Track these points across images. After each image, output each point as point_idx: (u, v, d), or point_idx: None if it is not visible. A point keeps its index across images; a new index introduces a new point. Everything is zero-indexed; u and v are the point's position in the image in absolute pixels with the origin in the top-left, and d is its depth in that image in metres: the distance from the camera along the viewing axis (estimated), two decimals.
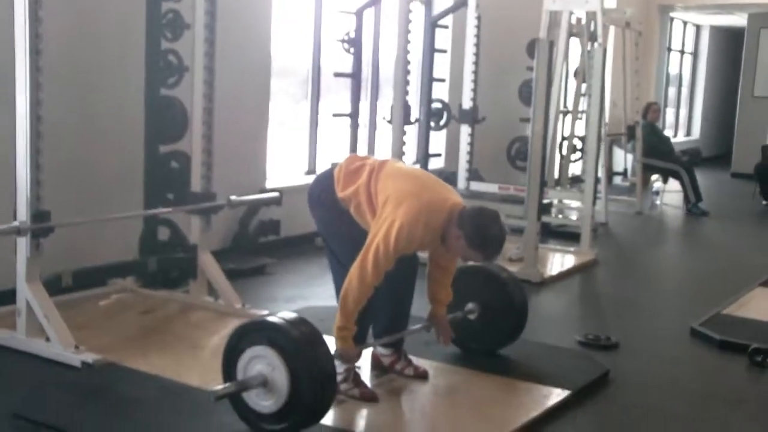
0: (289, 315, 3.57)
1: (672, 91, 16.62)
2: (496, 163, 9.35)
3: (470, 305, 4.63)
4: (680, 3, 14.38)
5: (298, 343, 3.43)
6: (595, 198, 8.07)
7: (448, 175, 8.07)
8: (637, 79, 10.30)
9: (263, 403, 3.47)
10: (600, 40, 8.64)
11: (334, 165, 4.15)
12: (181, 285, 5.49)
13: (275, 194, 5.73)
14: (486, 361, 4.59)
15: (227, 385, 3.48)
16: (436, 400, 4.18)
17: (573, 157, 10.29)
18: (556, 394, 4.20)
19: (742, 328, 5.57)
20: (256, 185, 6.85)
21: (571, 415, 4.07)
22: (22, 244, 4.33)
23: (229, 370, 3.55)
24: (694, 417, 4.24)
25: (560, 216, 9.17)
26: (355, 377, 4.01)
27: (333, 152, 7.71)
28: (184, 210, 5.24)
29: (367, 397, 3.97)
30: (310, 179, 7.35)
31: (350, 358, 3.88)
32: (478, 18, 7.77)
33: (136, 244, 5.46)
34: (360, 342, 3.97)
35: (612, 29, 10.90)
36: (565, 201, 9.59)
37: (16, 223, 4.25)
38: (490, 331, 4.64)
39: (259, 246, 6.83)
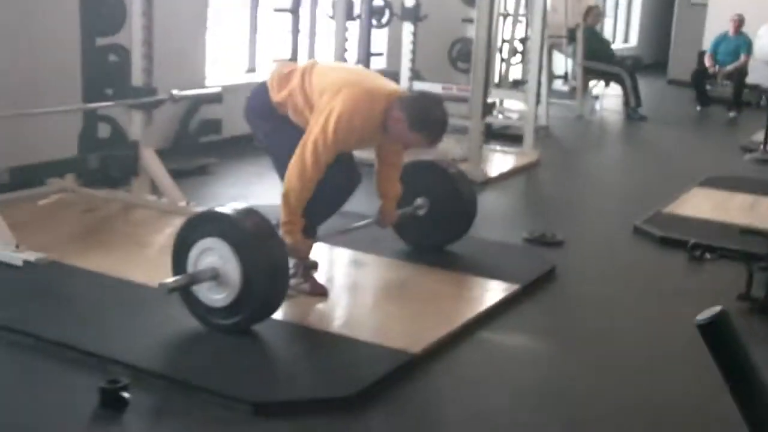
0: (241, 206, 3.51)
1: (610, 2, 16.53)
2: (437, 64, 9.25)
3: (419, 200, 4.60)
4: None
5: (250, 234, 3.39)
6: (537, 99, 8.05)
7: (391, 75, 7.96)
8: None
9: (214, 296, 3.43)
10: None
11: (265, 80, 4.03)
12: (123, 184, 5.35)
13: (217, 89, 5.59)
14: (435, 256, 4.59)
15: (178, 277, 3.43)
16: (387, 295, 4.20)
17: (513, 60, 10.26)
18: (505, 288, 4.24)
19: (681, 225, 5.66)
20: (195, 83, 6.67)
21: (520, 308, 4.12)
22: None
23: (179, 263, 3.49)
24: (637, 306, 4.35)
25: (501, 116, 9.13)
26: (305, 271, 3.97)
27: (273, 50, 7.54)
28: (125, 104, 5.07)
29: (318, 292, 3.95)
30: (251, 78, 7.31)
31: (300, 251, 3.83)
32: None
33: (75, 142, 5.28)
34: (310, 236, 3.91)
35: None
36: (506, 105, 9.57)
37: None
38: (439, 226, 4.63)
39: (201, 146, 6.70)
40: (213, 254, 3.40)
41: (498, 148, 7.90)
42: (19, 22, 5.30)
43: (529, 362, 3.65)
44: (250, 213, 3.47)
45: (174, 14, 6.15)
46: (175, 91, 5.21)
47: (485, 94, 6.74)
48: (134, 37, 5.05)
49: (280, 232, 3.72)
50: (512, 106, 9.49)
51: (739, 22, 11.68)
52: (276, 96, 3.89)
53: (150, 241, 4.66)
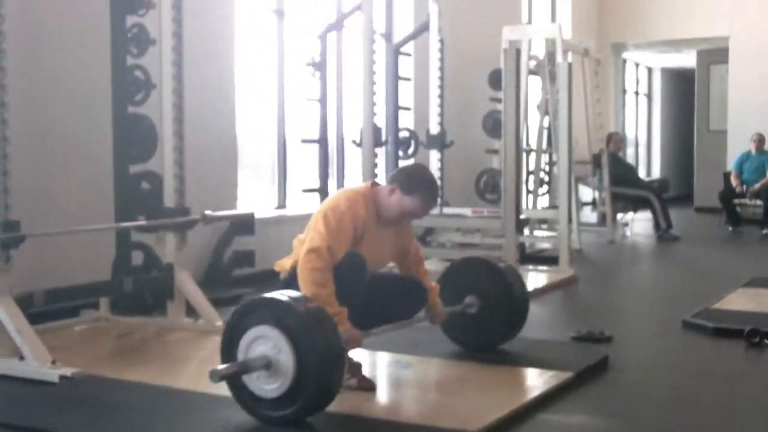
0: (294, 293, 3.41)
1: (630, 135, 16.74)
2: (464, 194, 9.25)
3: (469, 298, 4.47)
4: (632, 40, 14.60)
5: (304, 321, 3.26)
6: (570, 217, 7.98)
7: None
8: (599, 107, 10.33)
9: (266, 386, 3.29)
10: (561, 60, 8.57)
11: None
12: (158, 310, 5.26)
13: (249, 212, 5.58)
14: (487, 355, 4.43)
15: (229, 365, 3.30)
16: (439, 387, 4.05)
17: (540, 191, 10.26)
18: (559, 376, 4.06)
19: (733, 317, 5.49)
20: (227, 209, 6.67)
21: (576, 394, 3.94)
22: None
23: (229, 352, 3.36)
24: (695, 391, 4.15)
25: (535, 234, 9.06)
26: (350, 367, 3.82)
27: (303, 180, 7.60)
28: (159, 224, 5.05)
29: (365, 386, 3.80)
30: (281, 212, 7.34)
31: (354, 339, 3.68)
32: (441, 41, 7.74)
33: (109, 270, 5.24)
34: (361, 328, 3.76)
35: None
36: (537, 233, 9.52)
37: None
38: (491, 323, 4.47)
39: (234, 279, 6.63)
40: (265, 342, 3.28)
41: (533, 267, 7.79)
42: (52, 149, 5.39)
43: None
44: (303, 299, 3.38)
45: (204, 142, 6.23)
46: (208, 212, 5.20)
47: (518, 209, 6.71)
48: (166, 158, 5.08)
49: None
50: (543, 234, 9.47)
51: (760, 140, 11.77)
52: (291, 265, 3.90)
53: (189, 357, 4.54)
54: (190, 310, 5.15)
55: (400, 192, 3.84)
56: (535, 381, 4.08)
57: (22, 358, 4.10)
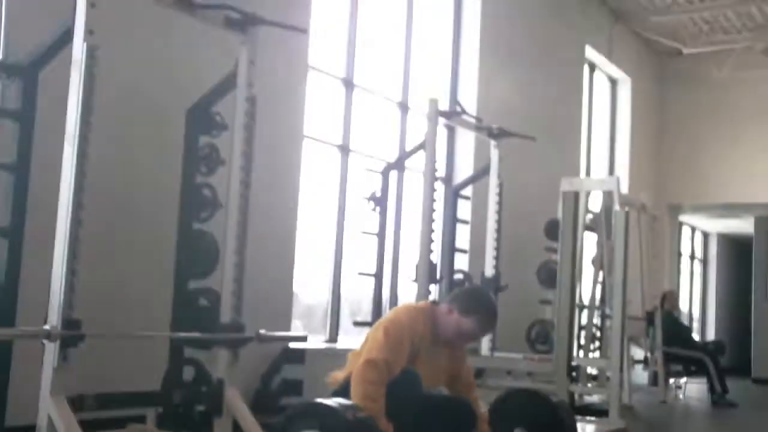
0: (344, 400, 3.43)
1: (684, 301, 16.58)
2: (515, 342, 9.15)
3: (519, 430, 4.43)
4: (688, 203, 14.61)
5: (352, 429, 3.26)
6: (621, 368, 7.85)
7: (472, 349, 7.93)
8: (654, 264, 10.31)
9: None
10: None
11: None
12: (204, 429, 5.23)
13: (303, 334, 5.61)
14: None
15: None
16: None
17: (592, 346, 10.12)
18: None
19: None
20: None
21: None
22: (50, 351, 4.17)
23: None
24: None
25: (584, 385, 8.89)
26: None
27: (355, 315, 7.63)
28: (213, 338, 5.08)
29: None
30: (332, 345, 7.36)
31: None
32: (500, 185, 7.86)
33: (158, 383, 5.26)
34: None
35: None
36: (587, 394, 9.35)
37: (46, 327, 4.12)
38: None
39: (281, 407, 6.59)
40: None
41: (582, 418, 7.62)
42: (120, 255, 5.59)
43: None
44: (353, 408, 3.38)
45: (263, 264, 6.34)
46: (262, 331, 5.24)
47: (570, 353, 6.65)
48: (225, 274, 5.15)
49: None
50: (593, 388, 9.29)
51: None
52: (344, 376, 4.02)
53: None
54: (237, 430, 5.12)
55: (458, 313, 3.90)
56: None
57: None
